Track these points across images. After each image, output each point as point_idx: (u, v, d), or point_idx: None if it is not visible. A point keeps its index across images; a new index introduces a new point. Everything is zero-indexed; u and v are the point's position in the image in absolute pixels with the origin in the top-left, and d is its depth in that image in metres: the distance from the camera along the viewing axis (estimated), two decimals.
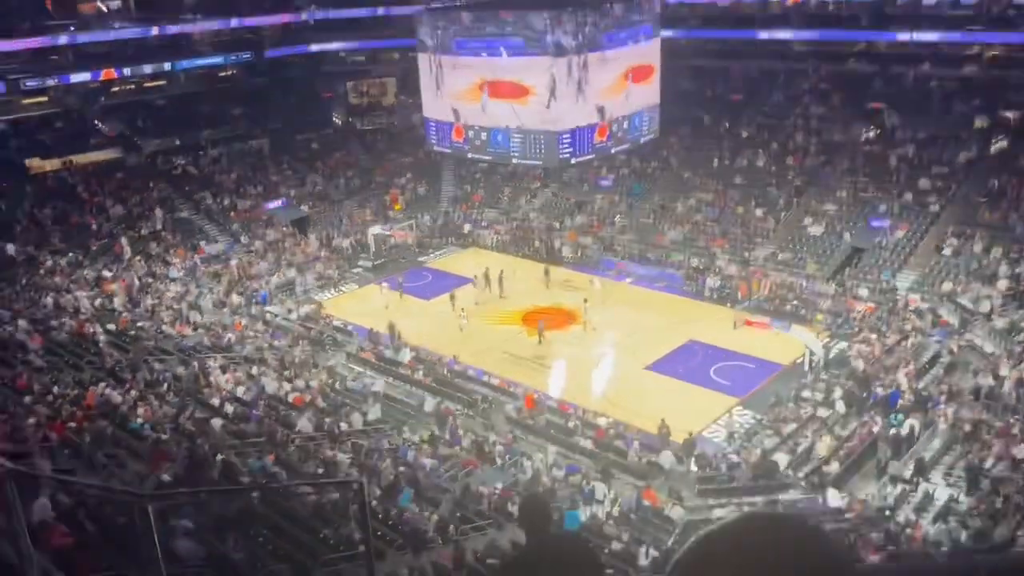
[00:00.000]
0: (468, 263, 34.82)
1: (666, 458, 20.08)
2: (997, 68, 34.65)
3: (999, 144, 32.80)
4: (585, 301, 29.02)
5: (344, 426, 20.23)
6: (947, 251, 29.10)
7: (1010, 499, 15.82)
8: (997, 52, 35.15)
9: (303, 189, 39.79)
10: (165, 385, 21.40)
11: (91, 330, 24.62)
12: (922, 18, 35.91)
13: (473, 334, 28.37)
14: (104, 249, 32.11)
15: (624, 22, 28.82)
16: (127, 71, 39.21)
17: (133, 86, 42.17)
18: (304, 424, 19.60)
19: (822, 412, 21.87)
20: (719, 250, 32.69)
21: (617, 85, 28.66)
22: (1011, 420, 19.23)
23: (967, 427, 19.45)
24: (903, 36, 36.00)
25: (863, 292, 28.41)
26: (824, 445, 19.91)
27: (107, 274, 29.95)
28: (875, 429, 20.36)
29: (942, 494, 17.47)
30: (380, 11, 45.01)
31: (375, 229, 36.38)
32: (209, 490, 11.22)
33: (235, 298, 30.15)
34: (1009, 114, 33.30)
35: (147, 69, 39.99)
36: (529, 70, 27.25)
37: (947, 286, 27.41)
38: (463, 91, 29.13)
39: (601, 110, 28.31)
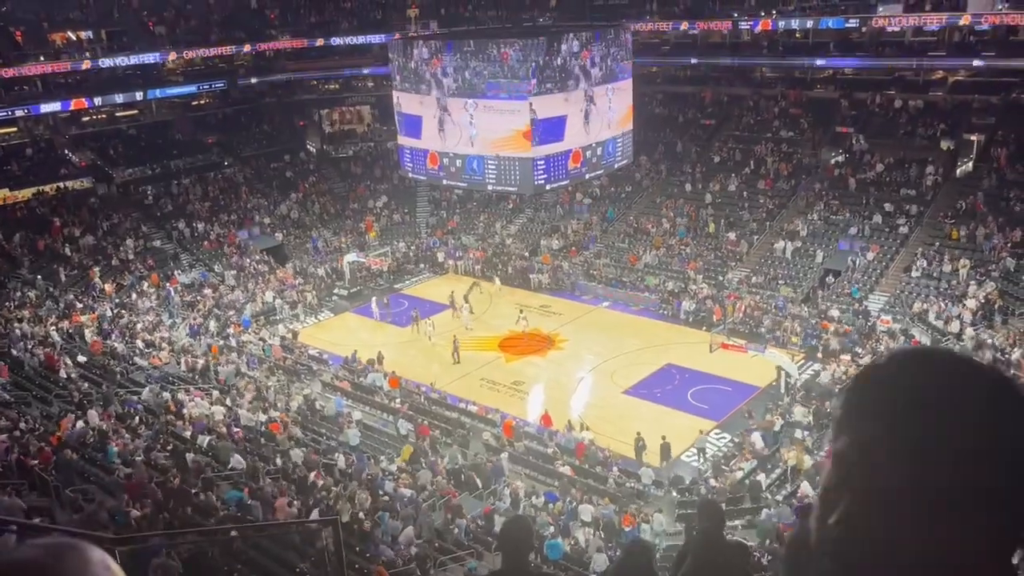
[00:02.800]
0: (444, 289, 34.76)
1: (646, 475, 20.20)
2: (960, 92, 35.50)
3: (964, 166, 33.51)
4: (521, 312, 30.83)
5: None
6: (916, 272, 29.54)
7: None
8: (960, 77, 36.03)
9: (277, 217, 39.60)
10: (137, 418, 21.03)
11: (60, 362, 24.18)
12: (886, 45, 36.80)
13: (451, 361, 28.27)
14: (74, 280, 31.68)
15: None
16: (98, 101, 38.99)
17: (104, 116, 41.97)
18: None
19: (800, 434, 22.00)
20: (693, 273, 32.93)
21: (607, 111, 29.31)
22: None
23: None
24: (867, 62, 36.96)
25: (836, 313, 28.68)
26: (799, 462, 20.09)
27: (78, 305, 29.50)
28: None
29: None
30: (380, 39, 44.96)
31: (350, 256, 36.24)
32: (181, 532, 10.94)
33: (212, 326, 29.84)
34: (972, 137, 34.05)
35: (119, 99, 39.80)
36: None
37: (918, 306, 27.79)
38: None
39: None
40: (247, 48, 43.08)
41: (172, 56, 40.44)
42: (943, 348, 1.09)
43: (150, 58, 39.42)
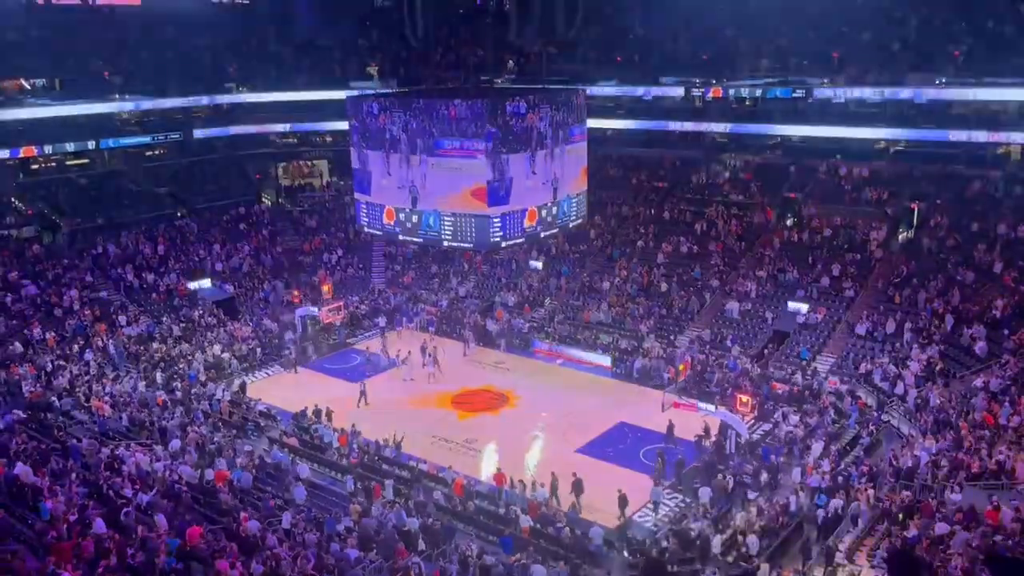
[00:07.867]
0: (398, 344, 34.44)
1: (596, 535, 19.96)
2: (901, 161, 36.95)
3: (907, 233, 34.68)
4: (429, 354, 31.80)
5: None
6: (861, 332, 30.21)
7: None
8: (901, 147, 37.53)
9: (230, 269, 39.09)
10: (73, 474, 20.19)
11: None
12: (831, 115, 38.28)
13: (402, 417, 27.88)
14: (13, 330, 30.69)
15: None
16: (48, 149, 38.46)
17: (55, 164, 41.34)
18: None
19: (751, 495, 22.07)
20: (645, 329, 33.22)
21: (562, 172, 29.90)
22: (930, 499, 19.69)
23: (888, 507, 19.81)
24: (815, 130, 38.40)
25: (785, 374, 29.08)
26: (743, 519, 20.19)
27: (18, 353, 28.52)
28: (792, 507, 20.71)
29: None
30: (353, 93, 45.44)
31: (303, 310, 35.80)
32: None
33: (158, 378, 29.07)
34: (913, 205, 35.35)
35: (70, 147, 39.31)
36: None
37: (864, 368, 28.34)
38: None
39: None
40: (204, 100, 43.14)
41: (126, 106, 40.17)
42: None
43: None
